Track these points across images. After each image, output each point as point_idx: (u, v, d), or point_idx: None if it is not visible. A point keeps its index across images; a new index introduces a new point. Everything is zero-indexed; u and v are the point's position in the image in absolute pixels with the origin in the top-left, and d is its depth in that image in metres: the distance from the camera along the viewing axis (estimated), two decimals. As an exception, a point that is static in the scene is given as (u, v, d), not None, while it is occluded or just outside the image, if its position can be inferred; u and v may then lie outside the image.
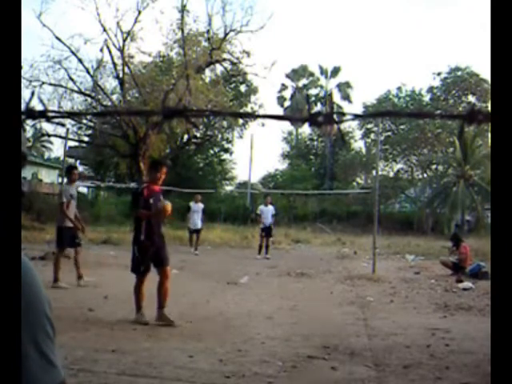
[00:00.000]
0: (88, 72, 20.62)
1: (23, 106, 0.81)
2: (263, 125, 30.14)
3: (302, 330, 5.53)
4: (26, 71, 19.20)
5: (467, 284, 9.01)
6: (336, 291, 8.36)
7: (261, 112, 27.15)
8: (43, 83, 20.05)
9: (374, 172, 23.95)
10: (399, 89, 32.20)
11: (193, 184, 25.26)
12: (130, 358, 4.22)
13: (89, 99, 21.68)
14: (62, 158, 27.27)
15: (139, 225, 5.63)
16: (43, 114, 0.79)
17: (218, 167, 34.82)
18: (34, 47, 48.74)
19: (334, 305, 7.14)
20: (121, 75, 20.86)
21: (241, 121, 28.65)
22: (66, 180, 8.43)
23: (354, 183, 34.82)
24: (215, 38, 20.96)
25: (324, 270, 11.25)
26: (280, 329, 5.53)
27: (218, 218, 24.59)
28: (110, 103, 20.99)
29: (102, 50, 20.51)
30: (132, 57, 21.13)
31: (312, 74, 39.54)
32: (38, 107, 0.79)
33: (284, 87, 39.18)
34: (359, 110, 30.79)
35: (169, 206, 5.60)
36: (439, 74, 30.77)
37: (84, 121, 22.61)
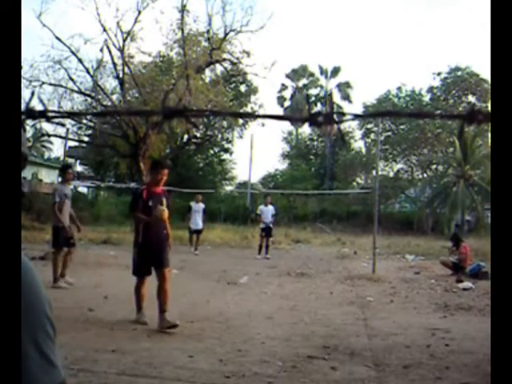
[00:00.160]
0: (88, 72, 20.64)
1: (23, 106, 0.81)
2: (263, 125, 30.16)
3: (302, 330, 5.53)
4: (26, 71, 19.24)
5: (467, 284, 9.01)
6: (336, 291, 8.36)
7: (261, 112, 27.14)
8: (43, 83, 20.08)
9: (373, 172, 23.96)
10: (399, 89, 32.23)
11: (193, 184, 25.27)
12: (130, 357, 4.22)
13: (89, 99, 21.69)
14: (61, 158, 27.34)
15: (138, 227, 5.57)
16: (43, 114, 0.79)
17: (218, 167, 34.82)
18: (34, 47, 48.77)
19: (334, 305, 7.14)
20: (121, 75, 20.86)
21: (241, 121, 28.66)
22: (60, 179, 8.24)
23: (354, 183, 34.81)
24: (215, 38, 20.97)
25: (324, 270, 11.25)
26: (280, 329, 5.53)
27: (218, 217, 24.59)
28: (110, 103, 20.99)
29: (101, 50, 20.55)
30: (132, 57, 21.16)
31: (312, 74, 39.55)
32: (38, 107, 0.80)
33: (284, 87, 39.20)
34: (359, 110, 30.81)
35: (165, 212, 5.42)
36: (439, 73, 30.80)
37: (84, 121, 22.63)
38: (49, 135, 24.71)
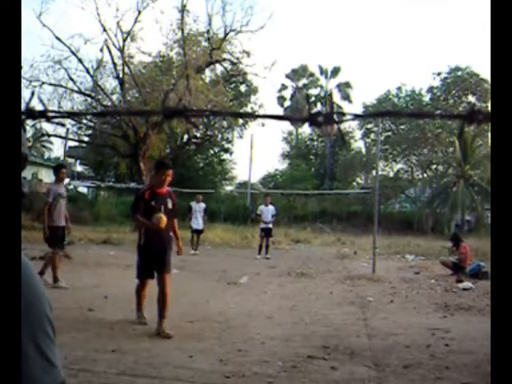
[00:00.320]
0: (88, 72, 20.66)
1: (23, 106, 0.80)
2: (263, 125, 30.20)
3: (302, 329, 5.53)
4: (25, 71, 19.28)
5: (467, 284, 9.01)
6: (336, 291, 8.36)
7: (261, 112, 27.16)
8: (43, 83, 20.10)
9: (373, 172, 23.97)
10: (399, 89, 32.24)
11: (193, 184, 25.29)
12: (130, 357, 4.22)
13: (89, 99, 21.72)
14: (62, 158, 27.33)
15: (140, 230, 5.51)
16: (43, 114, 0.79)
17: (218, 167, 34.83)
18: (34, 47, 48.76)
19: (334, 305, 7.14)
20: (121, 75, 20.88)
21: (241, 121, 28.68)
22: (54, 179, 8.11)
23: (354, 183, 34.81)
24: (215, 38, 20.99)
25: (324, 269, 11.25)
26: (280, 329, 5.53)
27: (218, 217, 24.58)
28: (110, 103, 21.01)
29: (102, 50, 20.58)
30: (132, 57, 21.19)
31: (312, 74, 39.53)
32: (38, 107, 0.79)
33: (284, 87, 39.17)
34: (359, 110, 30.82)
35: (162, 219, 5.23)
36: (439, 74, 30.82)
37: (84, 121, 22.66)
38: (49, 135, 24.74)
